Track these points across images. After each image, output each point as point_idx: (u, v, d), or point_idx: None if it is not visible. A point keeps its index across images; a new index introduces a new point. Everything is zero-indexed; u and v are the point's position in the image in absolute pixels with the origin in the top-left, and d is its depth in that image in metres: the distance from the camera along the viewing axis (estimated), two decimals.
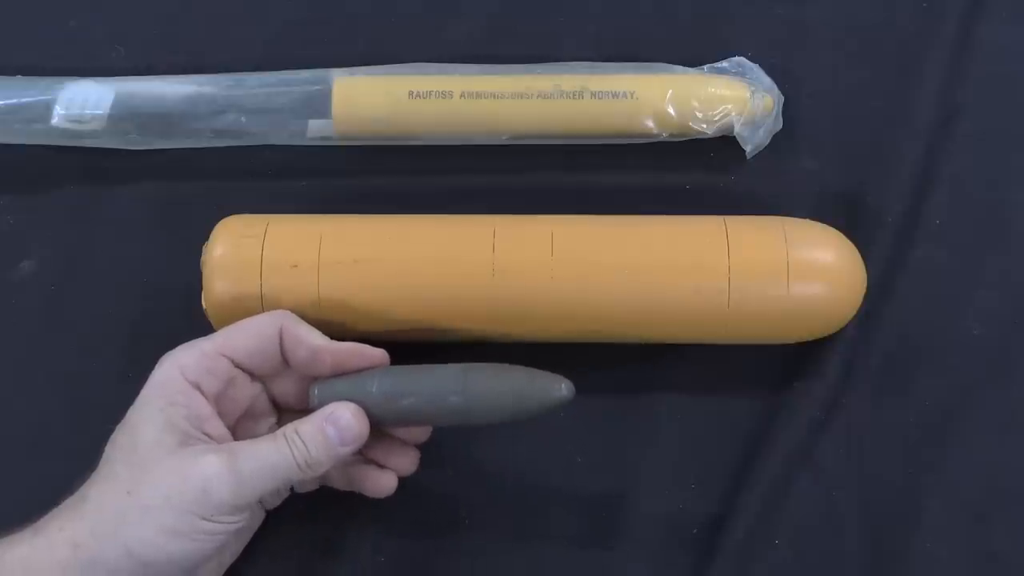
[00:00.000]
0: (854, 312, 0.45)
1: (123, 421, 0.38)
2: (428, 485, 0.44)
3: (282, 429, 0.38)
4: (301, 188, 0.52)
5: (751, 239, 0.43)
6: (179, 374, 0.38)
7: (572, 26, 0.56)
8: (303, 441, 0.37)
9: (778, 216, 0.45)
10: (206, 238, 0.44)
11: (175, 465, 0.36)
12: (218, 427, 0.39)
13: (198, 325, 0.45)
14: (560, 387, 0.38)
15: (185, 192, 0.52)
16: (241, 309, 0.43)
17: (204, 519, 0.35)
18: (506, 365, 0.39)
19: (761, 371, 0.46)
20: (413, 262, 0.43)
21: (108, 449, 0.38)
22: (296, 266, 0.43)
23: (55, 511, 0.37)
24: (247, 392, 0.41)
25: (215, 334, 0.40)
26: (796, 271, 0.42)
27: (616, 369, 0.47)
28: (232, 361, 0.40)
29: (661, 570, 0.43)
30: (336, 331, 0.44)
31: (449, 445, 0.46)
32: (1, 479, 0.46)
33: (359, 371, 0.40)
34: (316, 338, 0.40)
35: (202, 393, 0.38)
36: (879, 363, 0.46)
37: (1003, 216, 0.50)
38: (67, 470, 0.45)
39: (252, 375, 0.41)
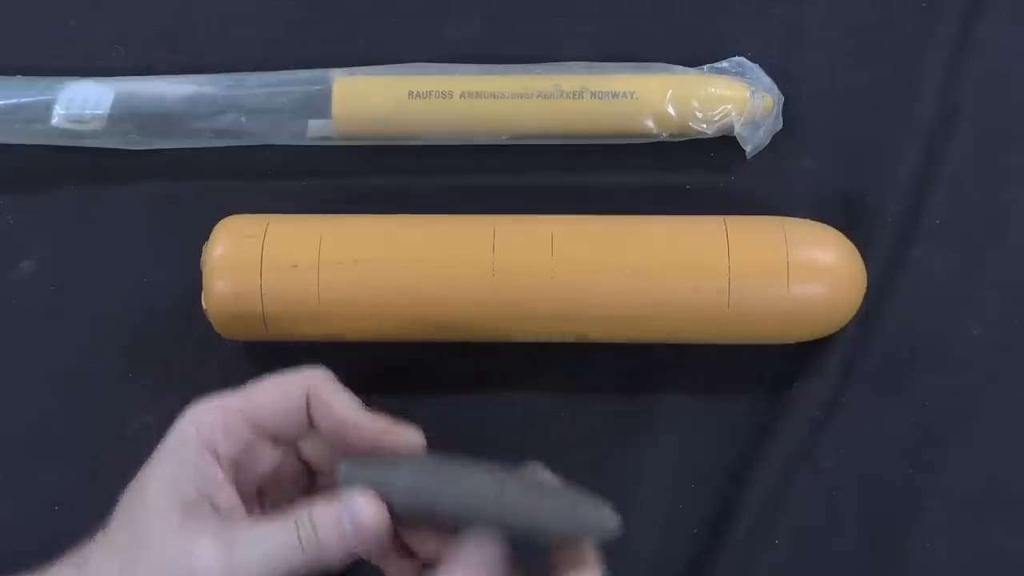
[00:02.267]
0: (854, 312, 0.45)
1: (136, 477, 0.36)
2: None
3: (295, 510, 0.34)
4: (301, 188, 0.52)
5: (751, 239, 0.43)
6: (195, 433, 0.35)
7: (572, 26, 0.56)
8: (314, 525, 0.33)
9: (778, 216, 0.45)
10: (206, 238, 0.44)
11: (171, 547, 0.33)
12: (229, 497, 0.35)
13: (198, 325, 0.45)
14: (611, 521, 0.34)
15: (185, 192, 0.52)
16: (241, 309, 0.43)
17: None
18: (549, 483, 0.36)
19: (761, 371, 0.46)
20: (413, 262, 0.43)
21: (117, 508, 0.35)
22: (296, 266, 0.43)
23: (57, 567, 0.35)
24: (268, 458, 0.38)
25: (239, 391, 0.37)
26: (796, 271, 0.42)
27: (616, 369, 0.47)
28: (253, 423, 0.36)
29: (661, 570, 0.43)
30: (336, 331, 0.44)
31: (450, 445, 0.46)
32: (1, 479, 0.46)
33: (393, 454, 0.36)
34: (346, 408, 0.37)
35: (216, 457, 0.35)
36: (879, 363, 0.46)
37: (1003, 216, 0.50)
38: (67, 470, 0.45)
39: (276, 439, 0.38)
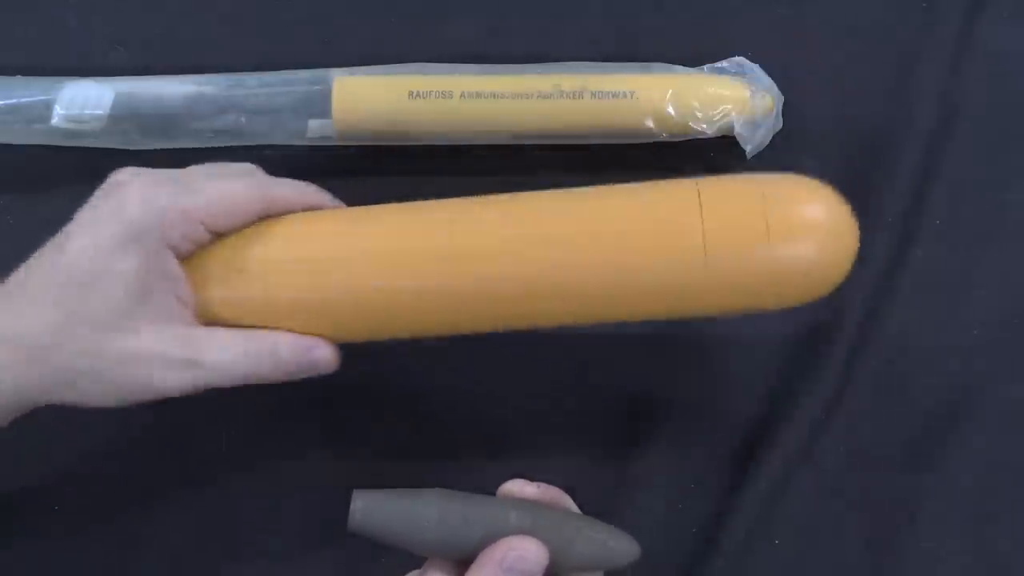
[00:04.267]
0: (845, 273, 0.40)
1: (77, 237, 0.38)
2: (429, 484, 0.44)
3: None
4: None
5: (726, 201, 0.39)
6: (158, 227, 0.37)
7: (572, 26, 0.56)
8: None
9: (757, 173, 0.41)
10: None
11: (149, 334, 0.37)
12: (187, 293, 0.39)
13: None
14: (633, 550, 0.35)
15: None
16: None
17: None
18: (575, 514, 0.36)
19: (761, 370, 0.46)
20: (369, 261, 0.40)
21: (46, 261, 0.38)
22: (242, 271, 0.40)
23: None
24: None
25: (191, 190, 0.38)
26: (777, 228, 0.38)
27: (616, 368, 0.47)
28: (208, 227, 0.39)
29: (661, 569, 0.43)
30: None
31: (450, 444, 0.46)
32: (1, 479, 0.46)
33: (407, 489, 0.35)
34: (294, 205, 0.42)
35: (177, 259, 0.38)
36: (879, 363, 0.46)
37: (1003, 216, 0.50)
38: (67, 470, 0.45)
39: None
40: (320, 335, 0.41)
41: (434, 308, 0.40)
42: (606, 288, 0.40)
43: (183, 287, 0.39)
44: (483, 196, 0.42)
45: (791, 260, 0.39)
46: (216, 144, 0.52)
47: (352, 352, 0.46)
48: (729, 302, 0.40)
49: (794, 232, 0.39)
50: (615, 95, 0.50)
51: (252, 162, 0.52)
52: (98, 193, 0.39)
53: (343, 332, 0.41)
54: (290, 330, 0.40)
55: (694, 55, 0.53)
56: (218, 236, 0.40)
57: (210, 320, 0.40)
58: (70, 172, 0.52)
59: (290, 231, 0.41)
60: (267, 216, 0.40)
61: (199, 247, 0.39)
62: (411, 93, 0.51)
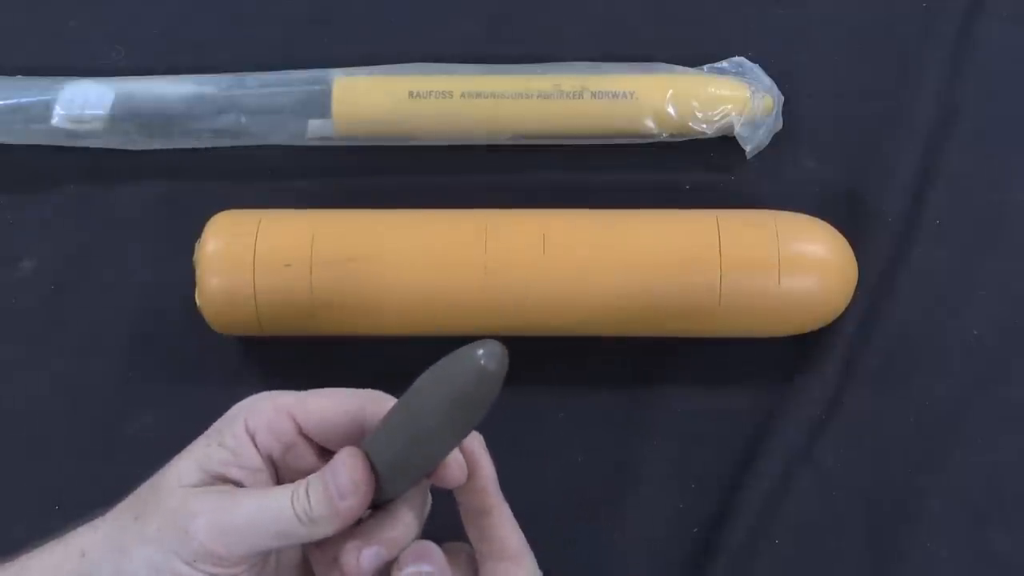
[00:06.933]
0: (845, 305, 0.45)
1: None
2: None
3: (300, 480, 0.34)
4: (301, 188, 0.52)
5: (742, 233, 0.43)
6: (241, 416, 0.35)
7: (572, 26, 0.56)
8: (307, 492, 0.33)
9: (769, 210, 0.45)
10: None
11: (178, 501, 0.33)
12: (263, 484, 0.35)
13: (198, 325, 0.45)
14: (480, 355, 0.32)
15: (185, 192, 0.52)
16: (234, 305, 0.43)
17: (185, 563, 0.32)
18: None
19: (761, 370, 0.46)
20: (405, 259, 0.43)
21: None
22: (289, 265, 0.43)
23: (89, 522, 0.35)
24: (312, 464, 0.36)
25: (299, 393, 0.36)
26: (787, 265, 0.42)
27: (616, 368, 0.47)
28: (300, 427, 0.35)
29: (661, 569, 0.43)
30: (329, 327, 0.44)
31: None
32: (1, 479, 0.46)
33: None
34: None
35: (256, 445, 0.35)
36: (879, 363, 0.46)
37: (1003, 216, 0.50)
38: (67, 470, 0.45)
39: (324, 447, 0.36)
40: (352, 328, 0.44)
41: (459, 312, 0.43)
42: (630, 308, 0.43)
43: None
44: (517, 210, 0.45)
45: (799, 291, 0.43)
46: (216, 144, 0.52)
47: (349, 344, 0.46)
48: (740, 327, 0.44)
49: (804, 267, 0.43)
50: (615, 95, 0.50)
51: (252, 162, 0.52)
52: None
53: (369, 328, 0.44)
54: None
55: (694, 55, 0.53)
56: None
57: None
58: (70, 172, 0.53)
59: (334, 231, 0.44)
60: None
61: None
62: (411, 93, 0.51)
